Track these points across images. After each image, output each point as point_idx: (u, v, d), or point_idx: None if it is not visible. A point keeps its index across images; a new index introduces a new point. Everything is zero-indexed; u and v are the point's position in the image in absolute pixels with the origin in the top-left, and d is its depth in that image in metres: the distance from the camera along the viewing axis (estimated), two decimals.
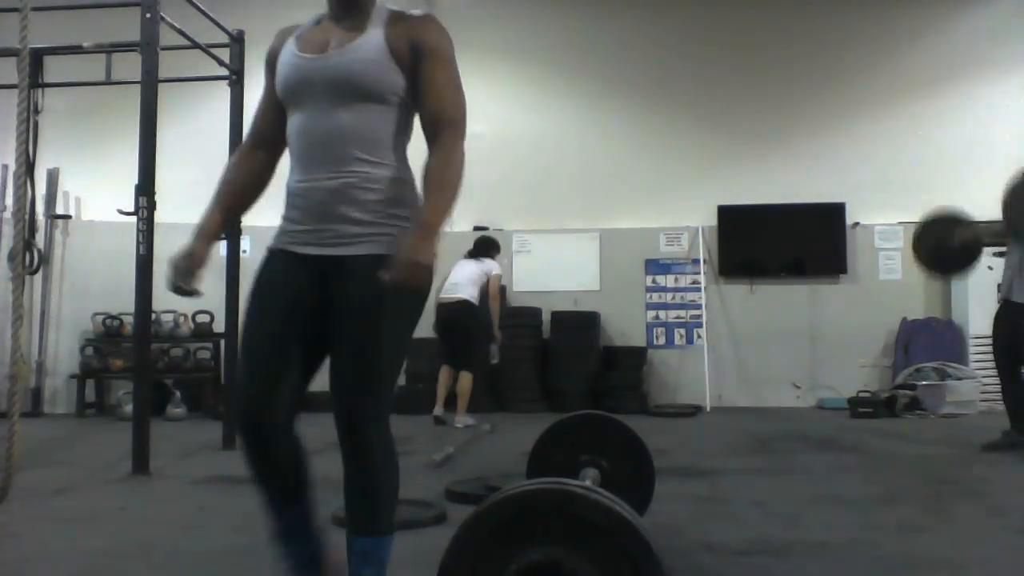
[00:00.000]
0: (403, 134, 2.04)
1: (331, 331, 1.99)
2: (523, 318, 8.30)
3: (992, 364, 5.79)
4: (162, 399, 7.34)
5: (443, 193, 1.96)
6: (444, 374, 6.96)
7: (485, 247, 7.13)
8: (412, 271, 1.93)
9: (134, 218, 4.54)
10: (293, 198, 2.05)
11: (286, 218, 2.08)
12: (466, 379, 6.80)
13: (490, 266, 6.96)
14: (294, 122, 2.03)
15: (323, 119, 1.97)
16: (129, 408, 5.86)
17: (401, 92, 1.98)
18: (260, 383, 1.99)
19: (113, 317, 7.88)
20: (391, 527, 2.06)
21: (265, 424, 2.02)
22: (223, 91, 5.77)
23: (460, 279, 6.81)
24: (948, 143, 8.53)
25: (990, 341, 5.65)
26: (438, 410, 6.86)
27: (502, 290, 7.62)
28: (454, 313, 6.70)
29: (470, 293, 6.76)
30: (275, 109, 2.12)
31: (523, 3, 9.22)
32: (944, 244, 5.47)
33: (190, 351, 7.96)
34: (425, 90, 1.99)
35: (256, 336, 2.02)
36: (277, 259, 2.05)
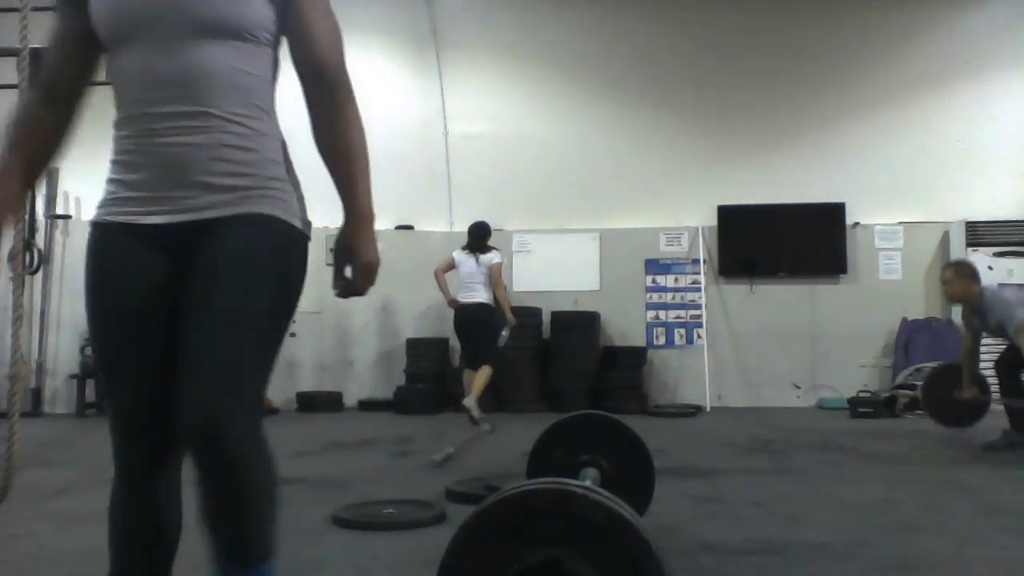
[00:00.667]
0: (275, 81, 1.76)
1: (184, 313, 1.56)
2: (523, 318, 8.26)
3: (992, 364, 5.80)
4: None
5: (364, 166, 1.72)
6: (468, 376, 7.11)
7: (480, 236, 7.23)
8: (373, 276, 1.73)
9: None
10: (131, 156, 1.57)
11: (119, 182, 1.60)
12: (485, 371, 6.96)
13: (490, 258, 7.10)
14: (127, 62, 1.57)
15: (174, 58, 1.55)
16: None
17: (272, 28, 1.68)
18: (139, 441, 1.62)
19: None
20: (275, 544, 1.79)
21: (148, 494, 1.66)
22: None
23: (473, 280, 7.05)
24: (948, 143, 8.53)
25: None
26: (474, 410, 7.03)
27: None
28: (474, 314, 6.97)
29: (485, 296, 7.03)
30: (80, 50, 1.64)
31: (523, 3, 9.21)
32: (952, 398, 5.73)
33: None
34: (300, 29, 1.68)
35: (121, 368, 1.59)
36: (114, 239, 1.58)
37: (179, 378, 1.52)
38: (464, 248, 7.22)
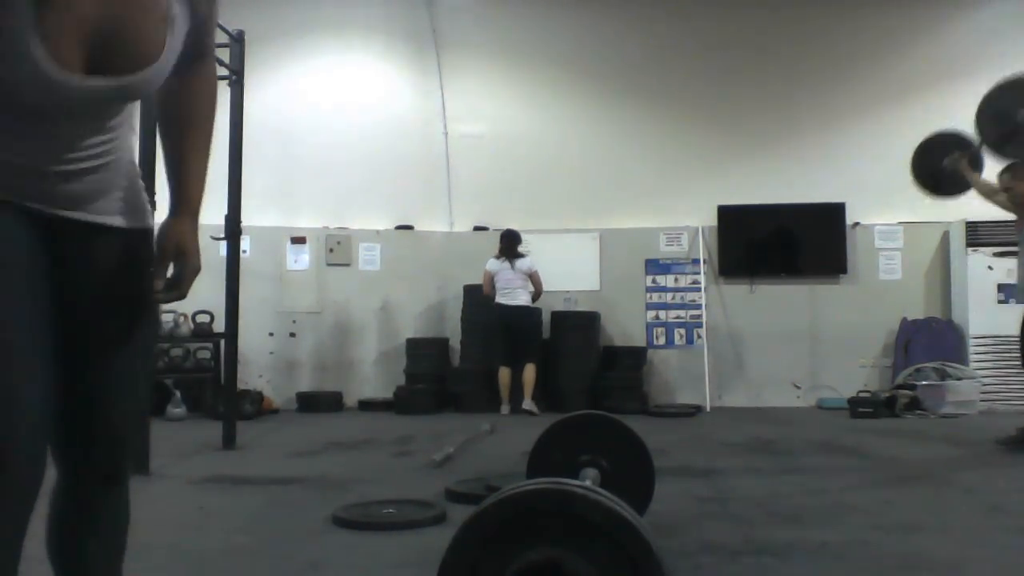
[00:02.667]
0: None
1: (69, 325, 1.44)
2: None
3: (992, 364, 5.81)
4: (162, 399, 7.34)
5: (205, 145, 1.56)
6: (505, 375, 7.72)
7: (512, 243, 7.84)
8: (193, 279, 1.56)
9: None
10: (11, 123, 1.34)
11: None
12: (531, 370, 7.64)
13: (527, 265, 7.80)
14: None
15: None
16: None
17: None
18: (34, 436, 1.36)
19: None
20: None
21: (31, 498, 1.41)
22: (223, 91, 5.75)
23: (512, 286, 7.71)
24: None
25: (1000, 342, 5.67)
26: (505, 409, 7.67)
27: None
28: (519, 314, 7.68)
29: (526, 298, 7.74)
30: None
31: (523, 4, 9.22)
32: (937, 166, 5.58)
33: (190, 351, 7.95)
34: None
35: (12, 355, 1.33)
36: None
37: (72, 408, 1.46)
38: (497, 256, 7.81)
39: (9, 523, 1.38)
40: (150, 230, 1.56)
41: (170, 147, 1.57)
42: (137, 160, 1.60)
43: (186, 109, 1.54)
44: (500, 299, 7.71)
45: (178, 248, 1.54)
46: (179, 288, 1.55)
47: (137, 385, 1.55)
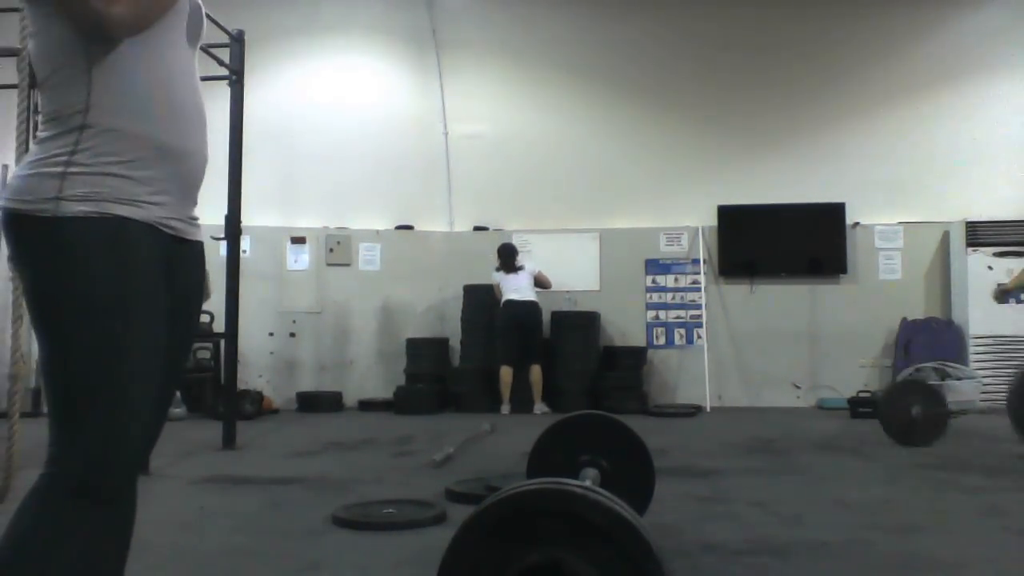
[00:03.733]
0: None
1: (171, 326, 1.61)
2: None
3: (992, 364, 5.81)
4: None
5: None
6: (507, 374, 7.78)
7: (509, 258, 7.98)
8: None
9: None
10: (166, 158, 1.53)
11: (146, 183, 1.50)
12: (537, 370, 7.74)
13: (532, 267, 8.00)
14: (156, 55, 1.53)
15: (187, 59, 1.62)
16: None
17: None
18: (144, 433, 1.53)
19: None
20: None
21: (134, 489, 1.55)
22: (223, 91, 5.77)
23: (521, 285, 7.86)
24: (948, 143, 8.53)
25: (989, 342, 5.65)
26: (505, 408, 7.72)
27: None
28: (528, 310, 7.80)
29: (533, 295, 7.87)
30: None
31: (523, 4, 9.22)
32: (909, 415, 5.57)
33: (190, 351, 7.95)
34: None
35: (150, 356, 1.50)
36: (150, 240, 1.51)
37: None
38: (499, 269, 7.98)
39: (119, 555, 1.53)
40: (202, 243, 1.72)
41: None
42: None
43: None
44: (510, 295, 7.84)
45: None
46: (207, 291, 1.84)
47: (171, 394, 1.70)
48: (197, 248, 1.68)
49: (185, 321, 1.67)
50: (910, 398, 5.59)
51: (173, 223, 1.57)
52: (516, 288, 7.85)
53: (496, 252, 8.07)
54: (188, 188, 1.60)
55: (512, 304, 7.80)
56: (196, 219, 1.66)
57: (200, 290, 1.72)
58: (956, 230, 8.28)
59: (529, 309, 7.79)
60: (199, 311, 1.78)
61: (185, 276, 1.64)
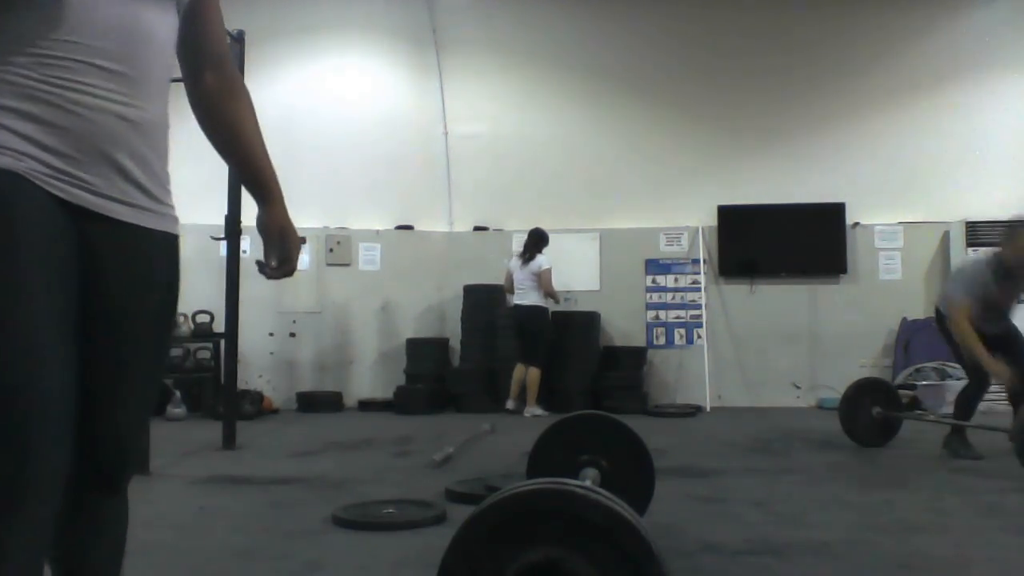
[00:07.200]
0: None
1: (93, 323, 1.38)
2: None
3: None
4: (162, 399, 7.34)
5: (265, 148, 1.66)
6: (519, 371, 7.63)
7: (533, 244, 7.73)
8: (300, 250, 1.70)
9: None
10: (50, 111, 1.29)
11: (28, 139, 1.28)
12: (534, 373, 7.57)
13: (537, 264, 7.63)
14: None
15: (120, 7, 1.35)
16: None
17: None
18: (57, 441, 1.28)
19: None
20: None
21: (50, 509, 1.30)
22: None
23: (523, 285, 7.66)
24: (948, 143, 8.53)
25: None
26: (510, 404, 7.63)
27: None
28: (527, 314, 7.63)
29: (536, 298, 7.63)
30: None
31: (523, 4, 9.22)
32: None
33: (190, 351, 7.96)
34: (198, 8, 1.56)
35: (36, 342, 1.25)
36: (29, 197, 1.27)
37: (92, 401, 1.40)
38: (518, 255, 7.80)
39: (30, 557, 1.29)
40: (177, 236, 1.56)
41: (247, 159, 1.67)
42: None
43: (252, 128, 1.65)
44: (515, 299, 7.74)
45: (282, 232, 1.67)
46: (291, 263, 1.68)
47: (148, 391, 1.54)
48: (146, 238, 1.44)
49: (122, 329, 1.42)
50: (872, 397, 5.60)
51: (66, 186, 1.31)
52: (520, 289, 7.68)
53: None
54: (91, 150, 1.33)
55: (515, 307, 7.72)
56: (134, 200, 1.41)
57: (157, 290, 1.48)
58: (956, 230, 8.28)
59: (528, 313, 7.62)
60: (158, 318, 1.50)
61: (120, 268, 1.40)
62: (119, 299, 1.41)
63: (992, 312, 4.91)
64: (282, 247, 1.67)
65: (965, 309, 4.80)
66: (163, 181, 1.51)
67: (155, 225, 1.46)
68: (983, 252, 6.31)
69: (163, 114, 1.49)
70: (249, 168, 1.68)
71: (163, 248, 1.49)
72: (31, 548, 1.27)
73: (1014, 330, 5.11)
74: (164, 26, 1.45)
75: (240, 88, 1.64)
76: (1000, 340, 4.95)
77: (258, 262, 1.71)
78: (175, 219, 1.55)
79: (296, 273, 1.79)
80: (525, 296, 7.65)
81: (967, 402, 5.19)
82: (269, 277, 1.70)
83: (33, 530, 1.26)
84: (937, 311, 5.36)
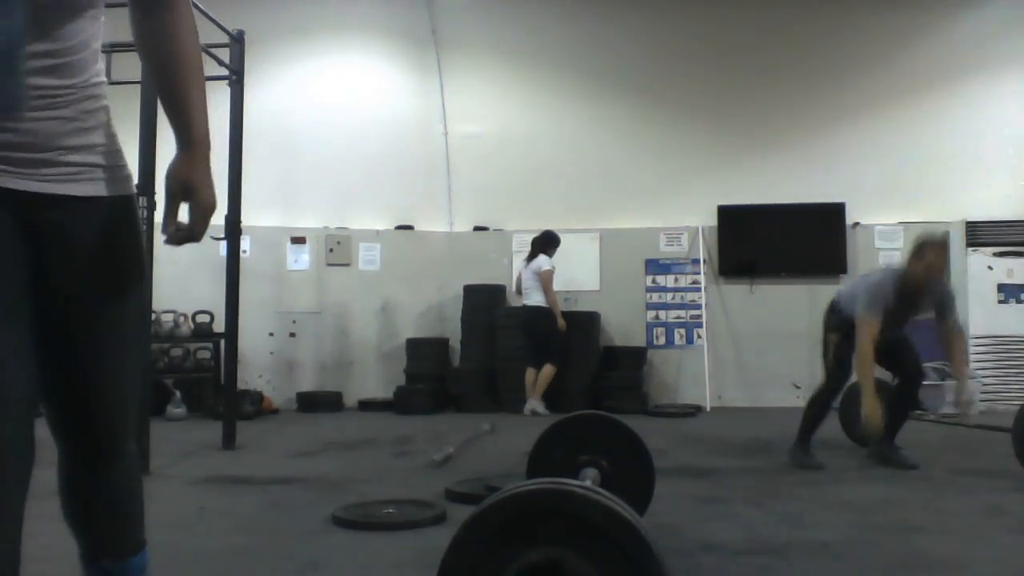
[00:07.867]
0: None
1: (49, 310, 1.34)
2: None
3: (992, 364, 5.80)
4: (162, 399, 7.34)
5: (200, 82, 1.47)
6: (530, 374, 7.65)
7: (539, 245, 7.80)
8: (209, 219, 1.47)
9: None
10: None
11: None
12: (547, 369, 7.58)
13: (539, 265, 7.68)
14: None
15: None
16: None
17: None
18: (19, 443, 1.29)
19: None
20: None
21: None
22: (223, 91, 5.77)
23: (527, 286, 7.72)
24: (948, 143, 8.53)
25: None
26: (539, 408, 7.54)
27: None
28: (532, 314, 7.66)
29: (538, 299, 7.65)
30: None
31: (523, 4, 9.22)
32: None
33: (190, 351, 7.96)
34: None
35: None
36: None
37: (68, 391, 1.41)
38: (527, 258, 7.86)
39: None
40: (132, 197, 1.47)
41: (169, 88, 1.48)
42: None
43: (176, 50, 1.46)
44: (523, 300, 7.80)
45: (185, 186, 1.45)
46: (192, 230, 1.47)
47: (125, 367, 1.49)
48: (83, 207, 1.35)
49: (86, 315, 1.37)
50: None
51: None
52: (526, 290, 7.75)
53: None
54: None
55: (523, 308, 7.78)
56: (51, 171, 1.31)
57: (119, 264, 1.41)
58: (956, 230, 8.27)
59: (533, 313, 7.66)
60: (121, 294, 1.42)
61: (71, 250, 1.34)
62: (72, 275, 1.37)
63: (887, 326, 4.76)
64: (190, 211, 1.46)
65: (872, 328, 4.58)
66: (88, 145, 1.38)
67: (77, 190, 1.36)
68: (888, 266, 6.26)
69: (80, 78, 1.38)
70: (170, 97, 1.48)
71: (97, 213, 1.40)
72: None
73: (904, 335, 5.01)
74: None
75: (183, 20, 1.48)
76: (890, 345, 4.80)
77: (165, 220, 1.49)
78: (116, 180, 1.44)
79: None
80: (530, 296, 7.70)
81: (821, 410, 4.97)
82: (167, 242, 1.47)
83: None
84: (832, 305, 5.10)
